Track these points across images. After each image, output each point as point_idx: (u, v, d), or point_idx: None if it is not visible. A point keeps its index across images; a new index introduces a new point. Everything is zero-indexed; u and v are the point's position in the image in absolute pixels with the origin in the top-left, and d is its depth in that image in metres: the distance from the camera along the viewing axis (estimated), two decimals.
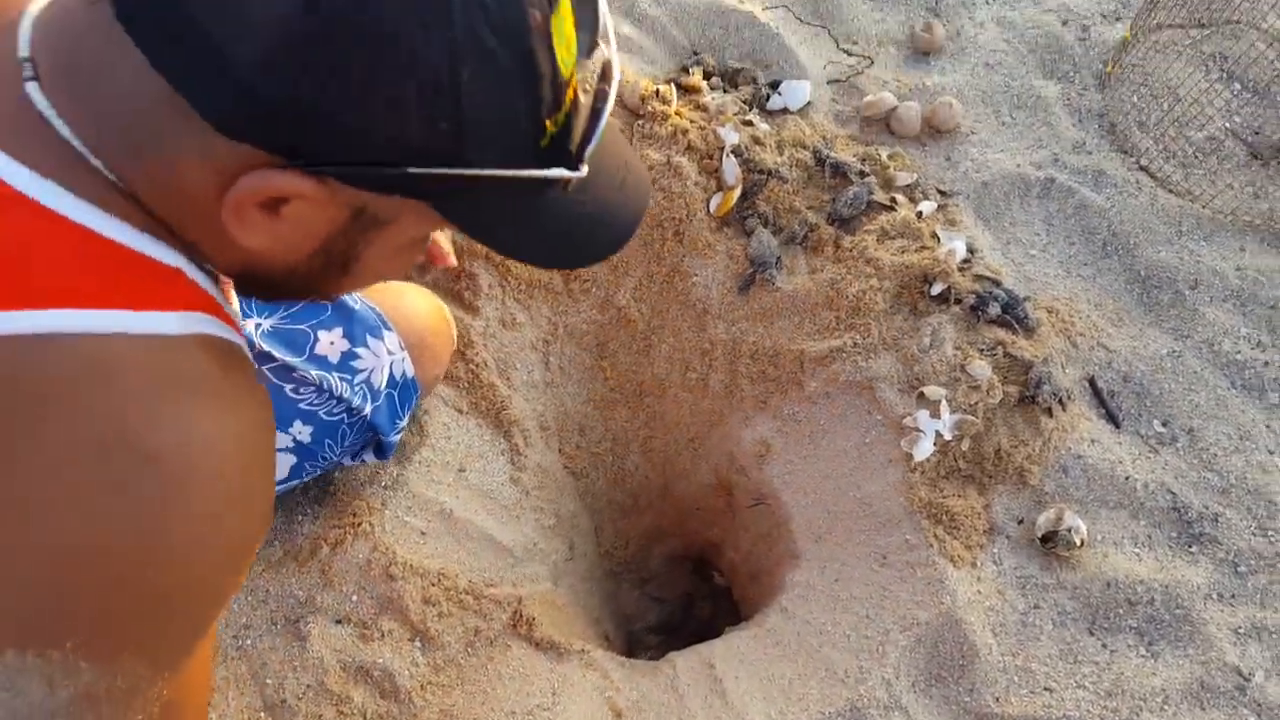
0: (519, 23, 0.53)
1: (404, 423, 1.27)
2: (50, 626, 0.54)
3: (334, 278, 0.68)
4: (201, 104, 0.53)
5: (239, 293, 0.74)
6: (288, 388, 1.13)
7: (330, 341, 1.17)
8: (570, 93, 0.59)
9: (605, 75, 0.62)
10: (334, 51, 0.50)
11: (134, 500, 0.55)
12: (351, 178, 0.56)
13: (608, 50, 0.63)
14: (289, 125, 0.53)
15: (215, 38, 0.50)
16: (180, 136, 0.55)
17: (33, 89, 0.57)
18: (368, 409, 1.18)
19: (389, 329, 1.23)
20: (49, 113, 0.57)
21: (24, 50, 0.58)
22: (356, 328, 1.20)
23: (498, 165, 0.57)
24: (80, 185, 0.57)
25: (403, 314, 1.27)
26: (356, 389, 1.17)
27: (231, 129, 0.53)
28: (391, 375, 1.22)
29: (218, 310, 0.64)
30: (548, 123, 0.58)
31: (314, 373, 1.13)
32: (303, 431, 1.14)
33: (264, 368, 1.11)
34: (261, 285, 0.69)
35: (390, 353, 1.22)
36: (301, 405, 1.14)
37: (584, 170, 0.61)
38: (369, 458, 1.28)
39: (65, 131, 0.57)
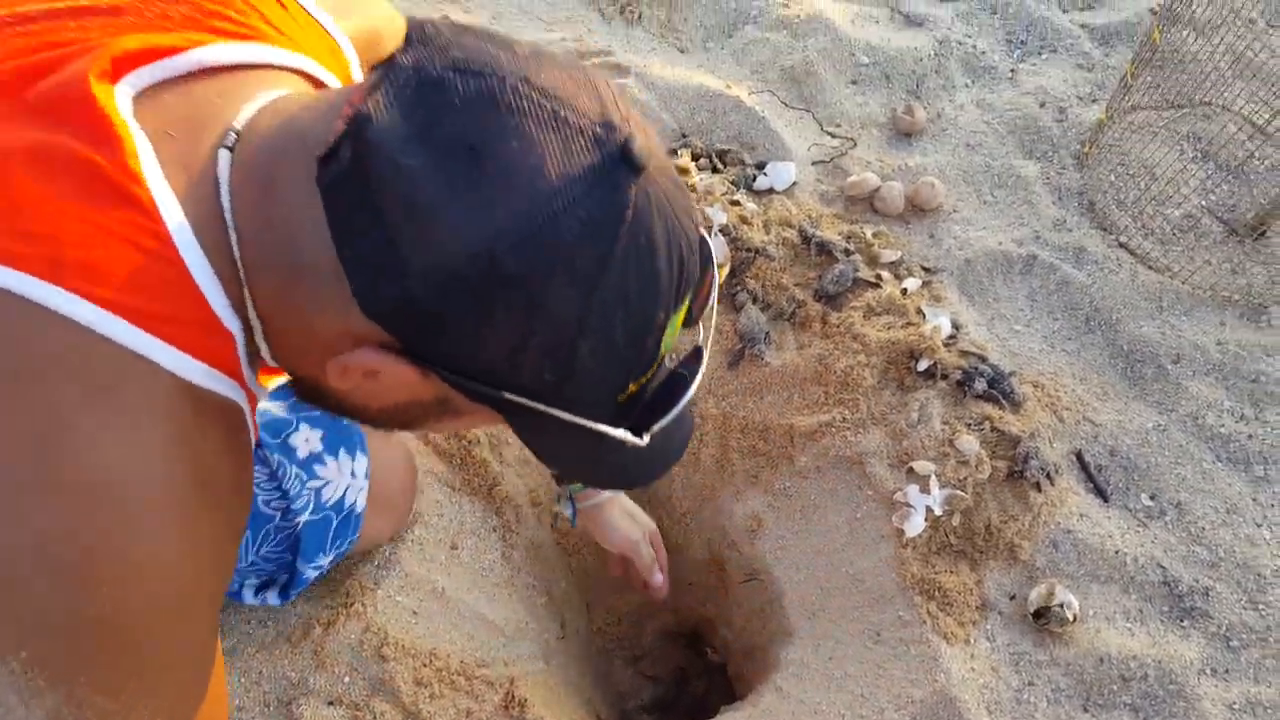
0: (648, 321, 0.62)
1: (326, 562, 1.19)
2: (2, 630, 0.55)
3: (391, 425, 0.75)
4: (359, 284, 0.59)
5: (298, 396, 0.78)
6: None
7: (306, 438, 1.14)
8: (657, 365, 0.66)
9: (696, 356, 0.72)
10: (492, 296, 0.57)
11: (76, 513, 0.56)
12: (454, 382, 0.62)
13: (704, 333, 0.72)
14: (425, 329, 0.59)
15: (398, 242, 0.56)
16: (323, 289, 0.61)
17: (224, 155, 0.63)
18: (303, 518, 1.12)
19: (364, 454, 1.19)
20: (223, 176, 0.63)
21: (239, 123, 0.65)
22: (337, 437, 1.16)
23: (578, 414, 0.64)
24: (204, 232, 0.62)
25: (381, 459, 1.24)
26: (305, 492, 1.12)
27: (372, 311, 0.59)
28: (342, 499, 1.16)
29: (241, 380, 0.67)
30: (632, 385, 0.65)
31: (275, 456, 1.11)
32: None
33: None
34: (324, 404, 0.75)
35: (353, 475, 1.17)
36: None
37: (646, 440, 0.68)
38: (271, 598, 1.19)
39: (225, 201, 0.62)
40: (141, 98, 0.64)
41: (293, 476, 1.12)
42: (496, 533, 1.49)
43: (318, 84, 0.77)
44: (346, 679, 1.24)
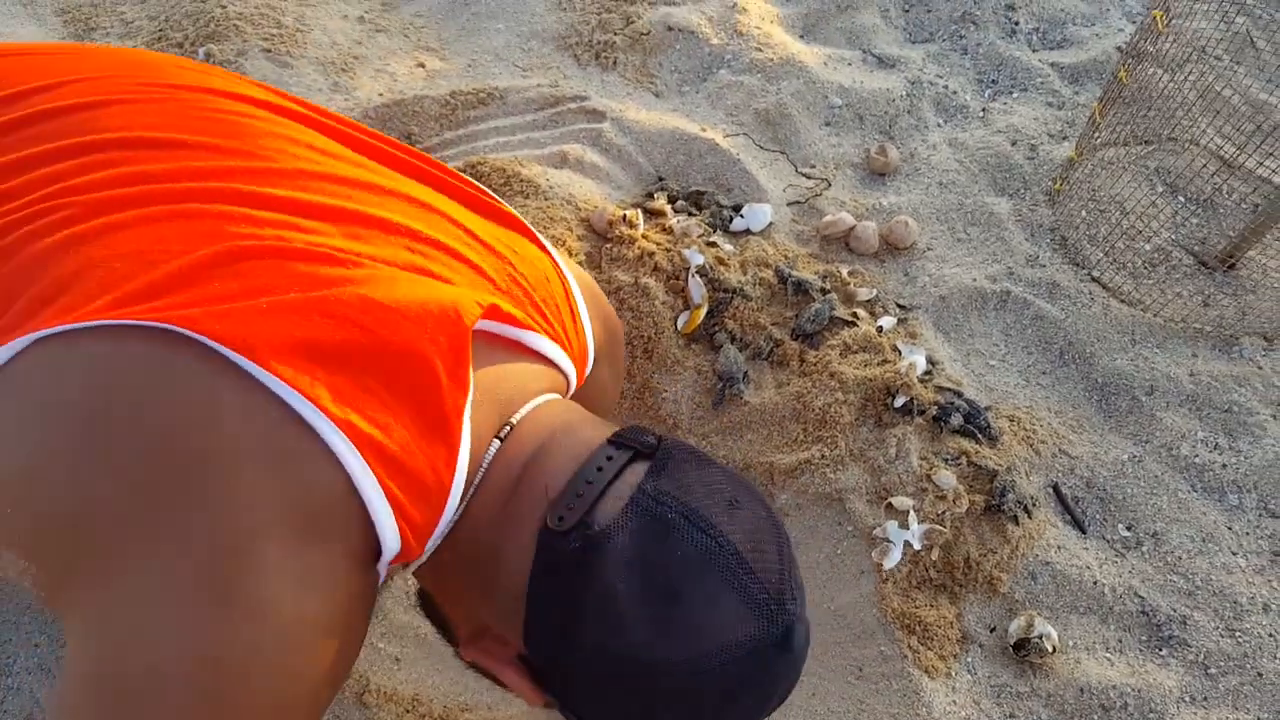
0: None
1: None
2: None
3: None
4: (531, 626, 0.72)
5: (420, 608, 0.93)
6: None
7: None
8: None
9: None
10: (627, 693, 0.70)
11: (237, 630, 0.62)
12: (552, 705, 0.76)
13: None
14: (555, 680, 0.73)
15: (573, 634, 0.69)
16: (498, 599, 0.74)
17: (495, 444, 0.77)
18: None
19: None
20: (487, 460, 0.77)
21: (516, 418, 0.79)
22: None
23: None
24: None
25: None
26: None
27: (531, 650, 0.73)
28: None
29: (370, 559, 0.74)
30: None
31: None
32: None
33: None
34: (439, 627, 0.89)
35: None
36: None
37: None
38: None
39: (477, 480, 0.76)
40: (478, 340, 0.77)
41: None
42: None
43: (569, 383, 0.92)
44: None
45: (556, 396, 0.85)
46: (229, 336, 0.64)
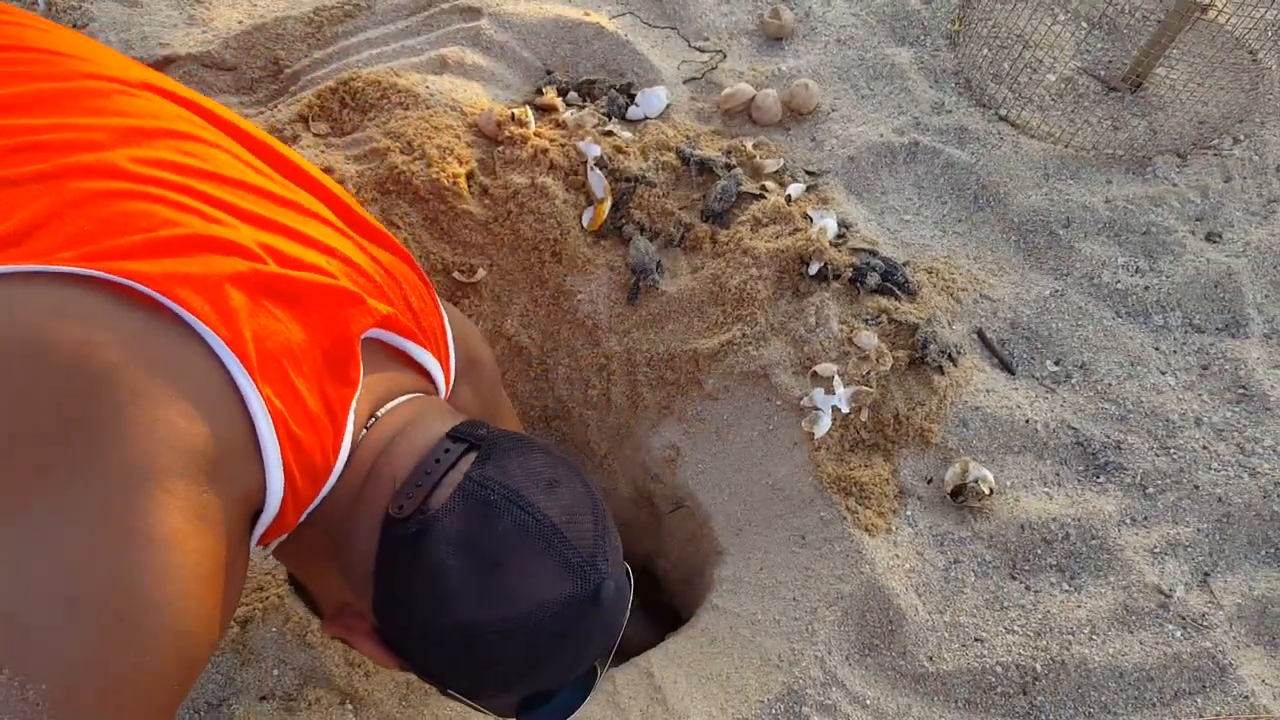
0: (561, 682, 0.87)
1: None
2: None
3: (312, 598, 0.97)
4: (378, 601, 0.82)
5: (291, 585, 1.07)
6: None
7: None
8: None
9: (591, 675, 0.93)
10: (459, 654, 0.81)
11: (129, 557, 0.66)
12: (412, 669, 0.87)
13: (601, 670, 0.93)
14: (409, 651, 0.84)
15: (412, 605, 0.80)
16: (352, 578, 0.84)
17: (362, 432, 0.86)
18: None
19: None
20: (345, 448, 0.83)
21: (382, 411, 0.88)
22: None
23: (490, 710, 0.90)
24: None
25: None
26: None
27: (381, 622, 0.83)
28: None
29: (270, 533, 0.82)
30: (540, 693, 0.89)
31: None
32: None
33: None
34: (307, 600, 1.00)
35: None
36: None
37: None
38: None
39: (340, 463, 0.83)
40: (368, 344, 0.88)
41: None
42: None
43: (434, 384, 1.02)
44: (275, 671, 1.27)
45: (420, 395, 0.94)
46: (187, 301, 0.72)
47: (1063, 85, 2.02)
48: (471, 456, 0.84)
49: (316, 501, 0.83)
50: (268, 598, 1.29)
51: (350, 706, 1.29)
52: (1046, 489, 1.53)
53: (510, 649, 0.80)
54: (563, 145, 1.73)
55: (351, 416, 0.83)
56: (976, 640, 1.39)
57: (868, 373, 1.53)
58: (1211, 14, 2.09)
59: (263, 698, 1.26)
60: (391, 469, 0.84)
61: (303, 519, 0.83)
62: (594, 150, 1.72)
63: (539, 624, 0.80)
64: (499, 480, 0.82)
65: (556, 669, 0.84)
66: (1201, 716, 1.34)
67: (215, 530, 0.70)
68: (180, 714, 1.23)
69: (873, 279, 1.62)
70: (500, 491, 0.81)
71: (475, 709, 0.91)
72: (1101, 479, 1.55)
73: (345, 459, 0.83)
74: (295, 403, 0.77)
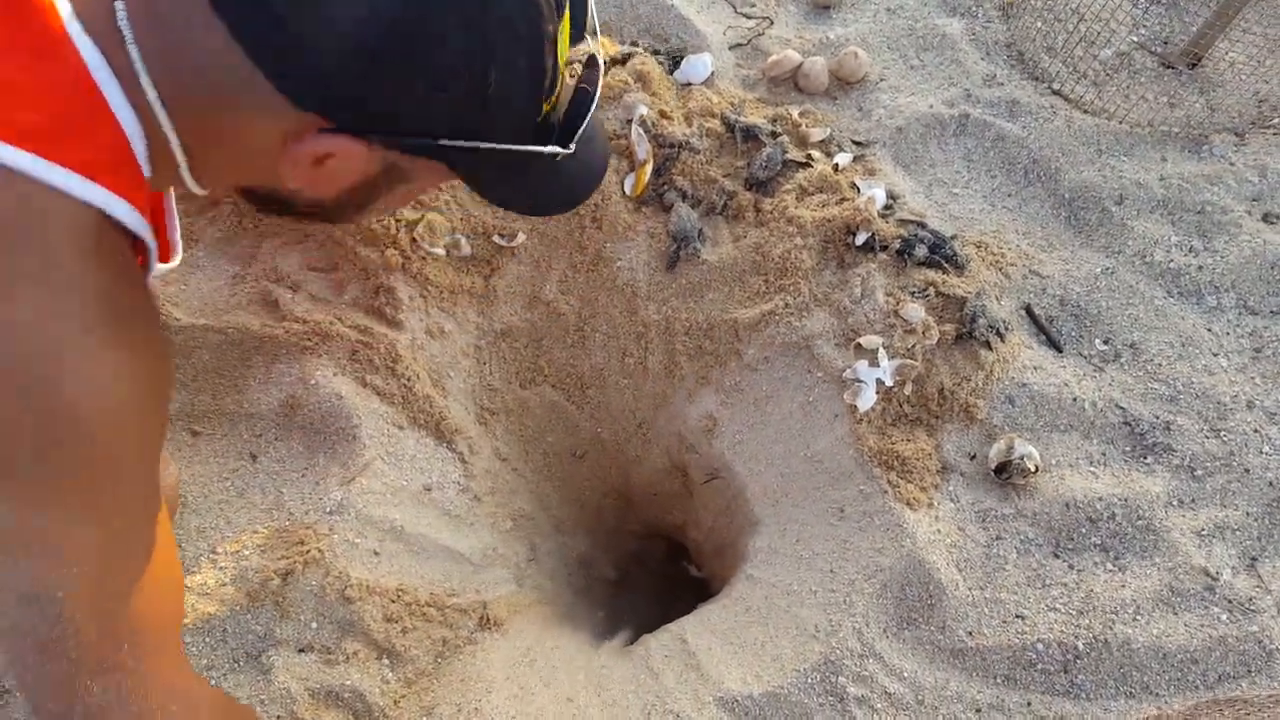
0: (539, 39, 0.74)
1: None
2: None
3: (349, 213, 0.89)
4: (278, 81, 0.69)
5: (258, 210, 0.93)
6: None
7: None
8: (562, 79, 0.79)
9: (591, 63, 0.85)
10: (397, 52, 0.68)
11: (35, 335, 0.66)
12: (392, 144, 0.75)
13: (593, 44, 0.84)
14: (352, 104, 0.71)
15: (293, 29, 0.66)
16: (250, 96, 0.70)
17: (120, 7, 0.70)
18: None
19: None
20: (124, 25, 0.69)
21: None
22: None
23: (508, 141, 0.78)
24: (122, 75, 0.70)
25: None
26: None
27: (302, 102, 0.70)
28: None
29: (140, 203, 0.74)
30: (545, 104, 0.79)
31: None
32: None
33: None
34: (283, 210, 0.88)
35: None
36: None
37: (573, 148, 0.83)
38: None
39: (129, 36, 0.69)
40: None
41: None
42: (451, 465, 1.54)
43: None
44: (314, 625, 1.30)
45: None
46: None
47: (1118, 60, 2.01)
48: None
49: (178, 149, 0.74)
50: (308, 551, 1.32)
51: (387, 661, 1.32)
52: (1093, 468, 1.54)
53: (426, 14, 0.68)
54: (608, 100, 1.74)
55: (118, 91, 0.70)
56: (1018, 617, 1.39)
57: (913, 346, 1.53)
58: None
59: (301, 650, 1.29)
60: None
61: (189, 174, 0.77)
62: (641, 109, 1.73)
63: None
64: None
65: (512, 22, 0.72)
66: (1246, 700, 1.35)
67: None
68: (220, 663, 1.26)
69: (920, 251, 1.62)
70: None
71: (515, 156, 0.79)
72: (1149, 459, 1.55)
73: (132, 108, 0.71)
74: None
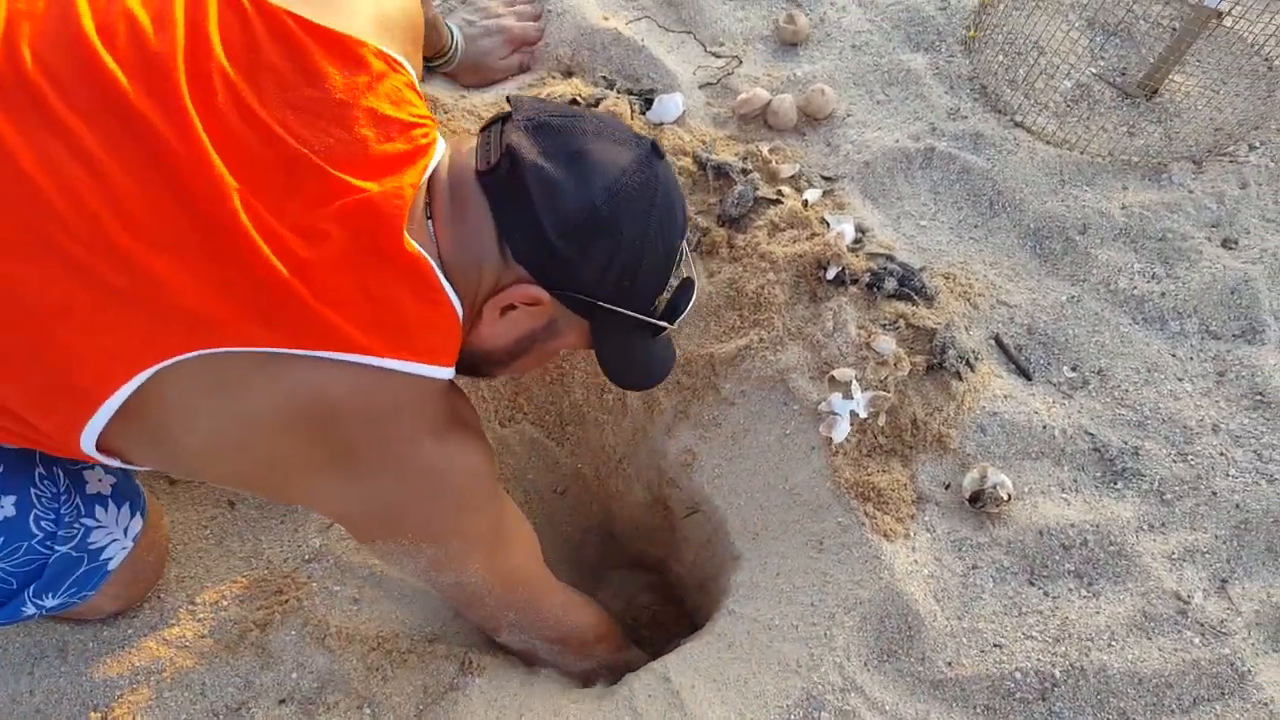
0: (673, 246, 1.07)
1: (50, 605, 1.17)
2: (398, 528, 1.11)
3: (499, 366, 1.15)
4: (513, 244, 0.99)
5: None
6: (39, 470, 1.11)
7: (100, 478, 1.17)
8: (673, 280, 1.10)
9: (689, 282, 1.14)
10: (593, 233, 0.99)
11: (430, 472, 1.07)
12: (567, 300, 1.03)
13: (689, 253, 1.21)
14: (554, 265, 0.99)
15: (539, 213, 0.97)
16: (491, 255, 1.01)
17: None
18: (61, 549, 1.13)
19: (142, 518, 1.22)
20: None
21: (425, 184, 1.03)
22: (127, 490, 1.20)
23: (640, 312, 1.06)
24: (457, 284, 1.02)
25: (150, 537, 1.28)
26: (78, 524, 1.14)
27: (523, 260, 1.00)
28: (102, 550, 1.18)
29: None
30: (664, 293, 1.09)
31: (65, 480, 1.12)
32: (6, 507, 1.09)
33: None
34: (464, 362, 1.10)
35: (125, 533, 1.20)
36: (32, 492, 1.09)
37: (676, 325, 1.13)
38: None
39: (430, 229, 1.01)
40: None
41: (74, 503, 1.13)
42: None
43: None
44: (294, 675, 1.28)
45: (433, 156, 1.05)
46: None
47: (1078, 92, 2.03)
48: (500, 120, 1.03)
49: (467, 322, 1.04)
50: (286, 600, 1.30)
51: (369, 711, 1.29)
52: (1064, 495, 1.54)
53: (621, 211, 0.99)
54: None
55: (439, 272, 0.99)
56: (995, 646, 1.39)
57: (885, 378, 1.53)
58: (1228, 21, 2.10)
59: (282, 701, 1.26)
60: (458, 173, 1.04)
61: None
62: None
63: (629, 182, 0.99)
64: (537, 112, 1.02)
65: (663, 227, 1.03)
66: None
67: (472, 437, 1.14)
68: (199, 717, 1.24)
69: (890, 284, 1.62)
70: (545, 117, 1.01)
71: (640, 324, 1.07)
72: (1119, 485, 1.55)
73: (454, 291, 1.00)
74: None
